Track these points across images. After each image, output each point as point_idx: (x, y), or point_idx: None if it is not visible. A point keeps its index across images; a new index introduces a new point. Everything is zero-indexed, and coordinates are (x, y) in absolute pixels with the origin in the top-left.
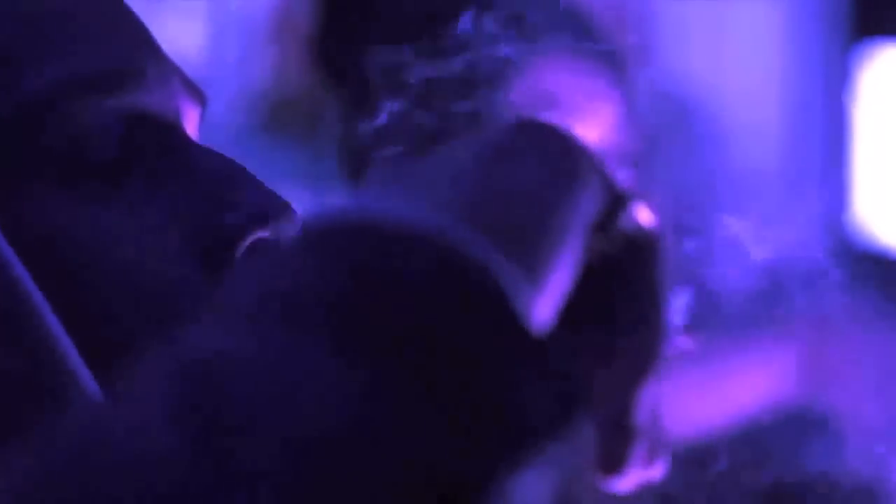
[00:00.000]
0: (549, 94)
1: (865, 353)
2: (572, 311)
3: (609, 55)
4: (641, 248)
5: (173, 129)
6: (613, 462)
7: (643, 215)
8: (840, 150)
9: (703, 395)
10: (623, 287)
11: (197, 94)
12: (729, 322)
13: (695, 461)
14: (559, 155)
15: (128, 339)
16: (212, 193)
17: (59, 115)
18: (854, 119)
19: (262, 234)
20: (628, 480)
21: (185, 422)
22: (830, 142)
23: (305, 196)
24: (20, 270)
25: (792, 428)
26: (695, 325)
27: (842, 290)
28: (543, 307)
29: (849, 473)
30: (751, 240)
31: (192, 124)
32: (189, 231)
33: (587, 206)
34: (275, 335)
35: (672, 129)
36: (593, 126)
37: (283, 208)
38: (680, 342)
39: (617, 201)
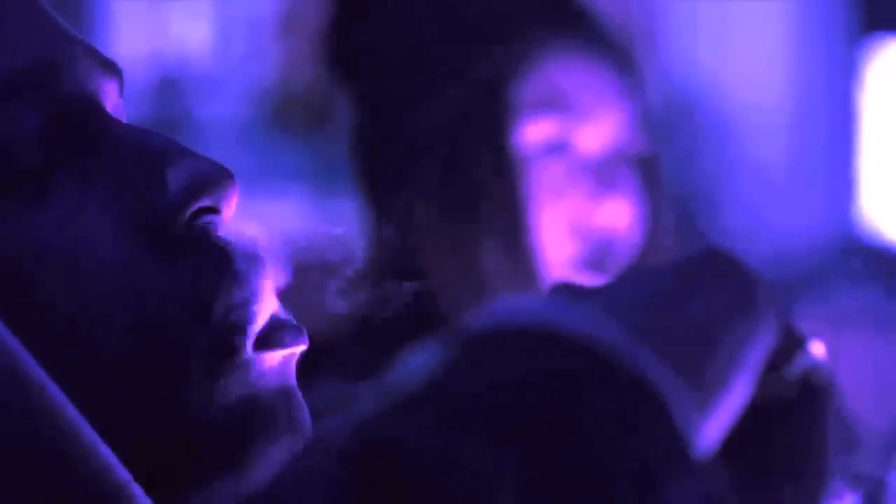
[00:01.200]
0: (559, 93)
1: (871, 347)
2: (736, 445)
3: (619, 54)
4: (815, 392)
5: (95, 114)
6: None
7: (818, 358)
8: (846, 145)
9: None
10: (793, 430)
11: (112, 68)
12: None
13: None
14: (739, 289)
15: (90, 338)
16: (144, 172)
17: None
18: (860, 113)
19: (205, 202)
20: None
21: (352, 493)
22: (836, 136)
23: (311, 192)
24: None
25: None
26: None
27: (847, 285)
28: (708, 434)
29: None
30: (755, 234)
31: (112, 101)
32: (128, 215)
33: (761, 343)
34: (449, 430)
35: (679, 123)
36: (602, 126)
37: (220, 175)
38: (842, 492)
39: (793, 342)
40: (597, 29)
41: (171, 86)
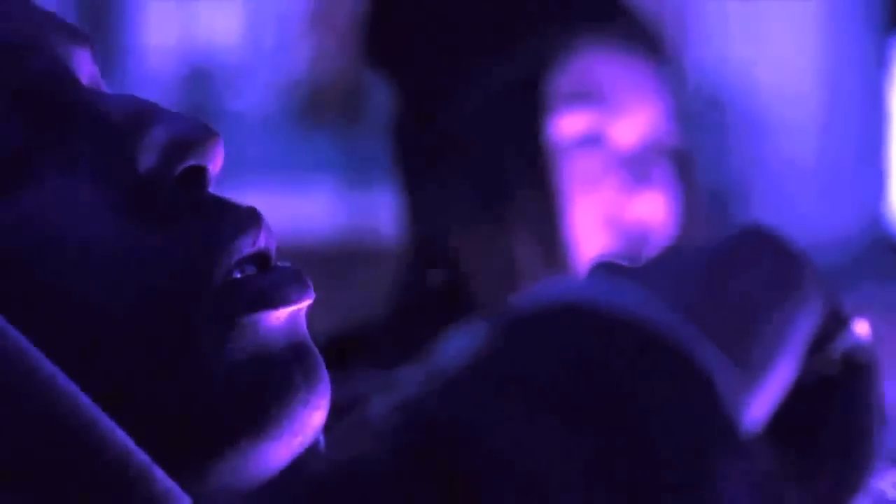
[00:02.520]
0: (594, 86)
1: None
2: (781, 426)
3: (655, 47)
4: (859, 370)
5: (69, 88)
6: None
7: (862, 336)
8: (876, 142)
9: None
10: (837, 409)
11: (80, 37)
12: None
13: None
14: (785, 267)
15: (90, 318)
16: (124, 140)
17: None
18: (889, 109)
19: (190, 162)
20: None
21: (411, 472)
22: (866, 133)
23: (340, 183)
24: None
25: None
26: None
27: (877, 281)
28: (755, 412)
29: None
30: (784, 229)
31: (86, 70)
32: (114, 186)
33: (806, 321)
34: (502, 407)
35: (709, 118)
36: (637, 119)
37: (202, 132)
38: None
39: (837, 321)
40: (633, 21)
41: (200, 77)
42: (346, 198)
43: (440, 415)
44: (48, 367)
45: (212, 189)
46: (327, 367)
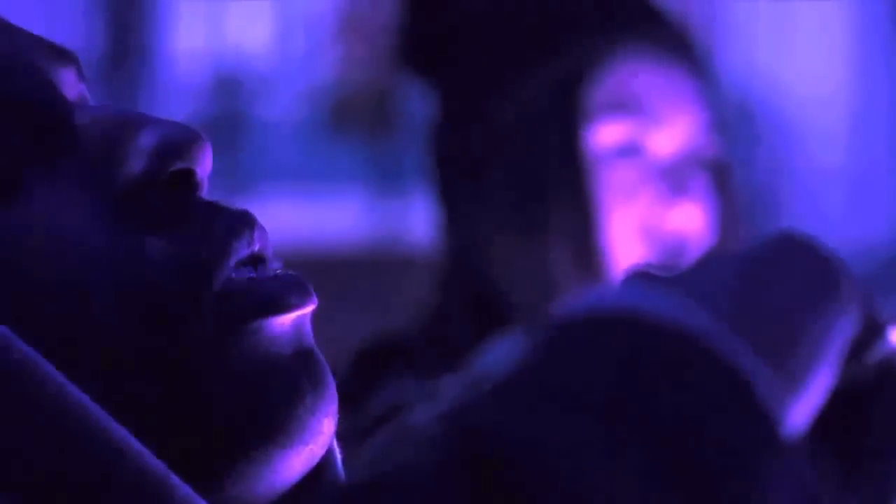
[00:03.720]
0: (633, 96)
1: None
2: (819, 432)
3: (694, 57)
4: (894, 378)
5: (55, 104)
6: None
7: None
8: None
9: None
10: (874, 415)
11: (64, 55)
12: None
13: None
14: (822, 274)
15: (92, 328)
16: (111, 149)
17: None
18: None
19: (179, 166)
20: None
21: (457, 480)
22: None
23: (367, 192)
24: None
25: None
26: None
27: None
28: (795, 419)
29: None
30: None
31: (72, 88)
32: (104, 195)
33: (845, 329)
34: (548, 414)
35: (738, 126)
36: (675, 129)
37: (189, 135)
38: None
39: (873, 328)
40: (672, 30)
41: (229, 85)
42: (375, 206)
43: (486, 424)
44: (58, 377)
45: (212, 194)
46: (362, 375)
